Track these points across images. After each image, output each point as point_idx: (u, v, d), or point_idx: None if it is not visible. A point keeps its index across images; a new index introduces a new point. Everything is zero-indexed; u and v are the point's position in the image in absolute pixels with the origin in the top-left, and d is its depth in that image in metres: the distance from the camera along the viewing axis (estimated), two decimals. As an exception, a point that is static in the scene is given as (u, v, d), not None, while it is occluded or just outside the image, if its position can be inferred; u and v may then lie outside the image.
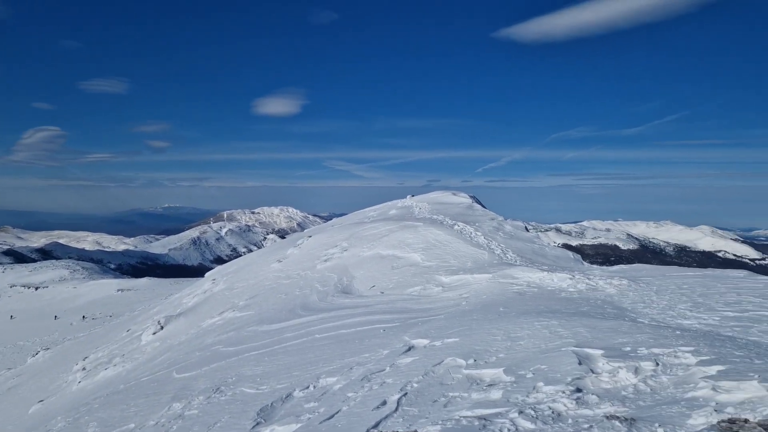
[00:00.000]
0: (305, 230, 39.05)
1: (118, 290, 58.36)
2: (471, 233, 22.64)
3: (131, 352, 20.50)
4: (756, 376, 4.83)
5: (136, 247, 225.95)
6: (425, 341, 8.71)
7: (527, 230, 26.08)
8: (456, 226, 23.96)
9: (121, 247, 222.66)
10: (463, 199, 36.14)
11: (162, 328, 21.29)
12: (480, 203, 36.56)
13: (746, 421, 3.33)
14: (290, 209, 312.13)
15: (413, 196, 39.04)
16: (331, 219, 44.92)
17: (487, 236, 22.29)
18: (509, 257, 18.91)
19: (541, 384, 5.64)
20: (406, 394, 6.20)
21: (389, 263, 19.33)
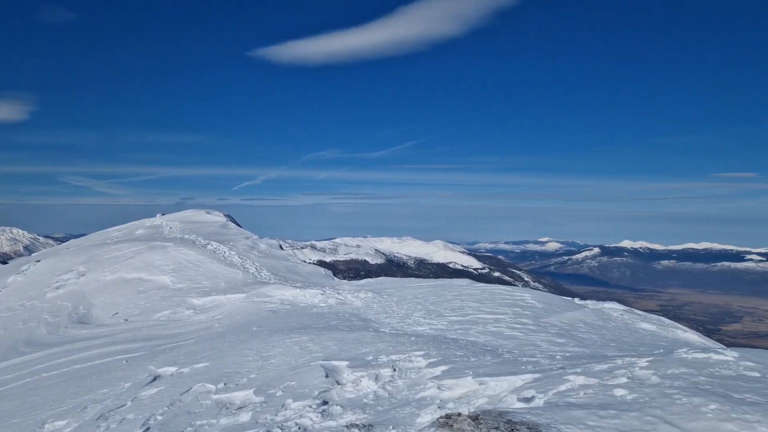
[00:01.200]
0: (33, 254, 34.16)
1: None
2: (225, 253, 22.18)
3: None
4: (471, 373, 5.60)
5: None
6: (173, 369, 8.26)
7: (282, 248, 26.46)
8: (209, 246, 23.26)
9: None
10: (218, 217, 35.24)
11: None
12: (235, 222, 36.02)
13: (459, 414, 3.83)
14: (15, 230, 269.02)
15: (164, 214, 36.81)
16: (67, 240, 39.95)
17: (242, 255, 22.06)
18: (263, 276, 18.95)
19: (290, 401, 5.77)
20: (148, 429, 5.80)
21: (135, 287, 17.94)
